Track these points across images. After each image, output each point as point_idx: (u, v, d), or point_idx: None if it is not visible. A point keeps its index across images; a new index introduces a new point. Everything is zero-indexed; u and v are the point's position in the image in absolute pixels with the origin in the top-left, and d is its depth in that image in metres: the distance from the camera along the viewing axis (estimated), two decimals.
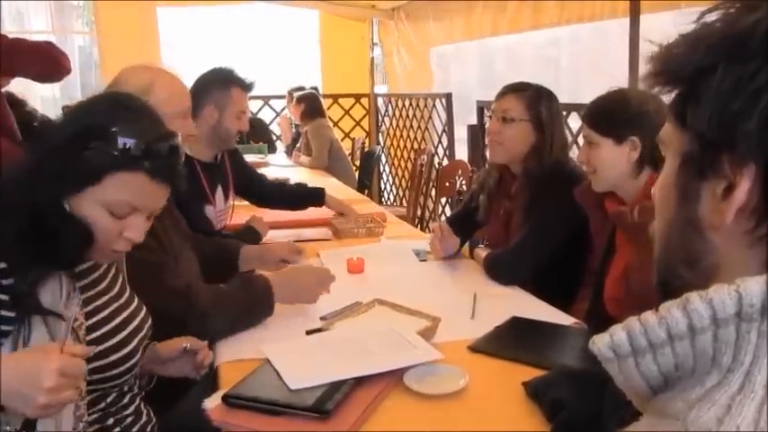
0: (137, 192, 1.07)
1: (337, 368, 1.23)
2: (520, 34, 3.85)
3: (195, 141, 2.05)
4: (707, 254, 0.51)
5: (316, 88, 5.58)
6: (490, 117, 2.09)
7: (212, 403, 1.15)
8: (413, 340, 1.36)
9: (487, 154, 2.24)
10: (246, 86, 2.31)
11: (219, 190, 2.35)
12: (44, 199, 1.03)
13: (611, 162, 1.59)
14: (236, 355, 1.41)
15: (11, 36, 2.41)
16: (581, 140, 3.22)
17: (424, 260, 2.17)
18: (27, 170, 1.06)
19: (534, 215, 1.92)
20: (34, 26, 10.37)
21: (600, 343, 0.49)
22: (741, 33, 0.46)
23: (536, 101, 1.98)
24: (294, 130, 5.54)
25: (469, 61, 4.85)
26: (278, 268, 1.83)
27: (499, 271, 1.92)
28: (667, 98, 0.53)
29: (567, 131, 3.28)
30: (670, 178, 0.54)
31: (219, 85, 2.26)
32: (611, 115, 1.61)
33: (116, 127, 1.04)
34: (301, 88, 5.34)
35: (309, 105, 4.94)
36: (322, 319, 1.58)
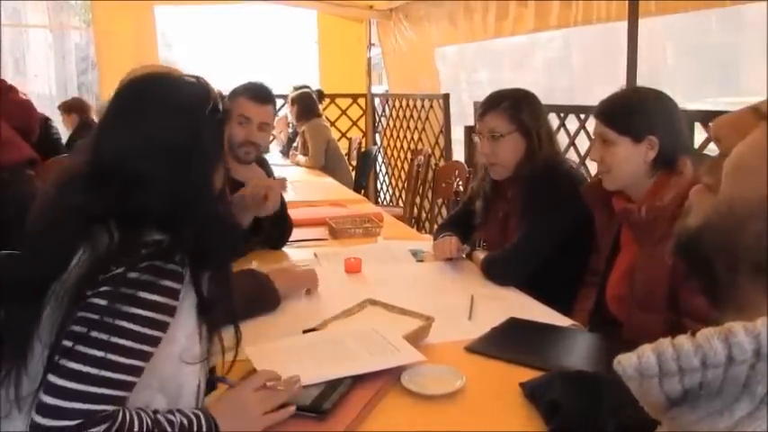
0: None
1: (315, 369, 1.23)
2: (527, 36, 3.79)
3: None
4: (739, 274, 0.49)
5: (309, 87, 5.56)
6: (477, 136, 2.07)
7: (210, 402, 1.15)
8: (395, 342, 1.35)
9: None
10: (253, 95, 2.19)
11: None
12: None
13: (627, 161, 1.55)
14: (232, 354, 1.40)
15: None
16: (578, 141, 3.24)
17: (421, 260, 2.18)
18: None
19: (530, 215, 1.93)
20: (31, 21, 10.35)
21: (626, 363, 0.47)
22: None
23: (516, 109, 1.97)
24: (291, 130, 5.52)
25: (469, 62, 4.82)
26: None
27: (497, 271, 1.92)
28: None
29: (563, 130, 3.31)
30: None
31: (230, 96, 2.19)
32: (629, 113, 1.56)
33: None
34: (305, 86, 5.30)
35: (302, 106, 4.93)
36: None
